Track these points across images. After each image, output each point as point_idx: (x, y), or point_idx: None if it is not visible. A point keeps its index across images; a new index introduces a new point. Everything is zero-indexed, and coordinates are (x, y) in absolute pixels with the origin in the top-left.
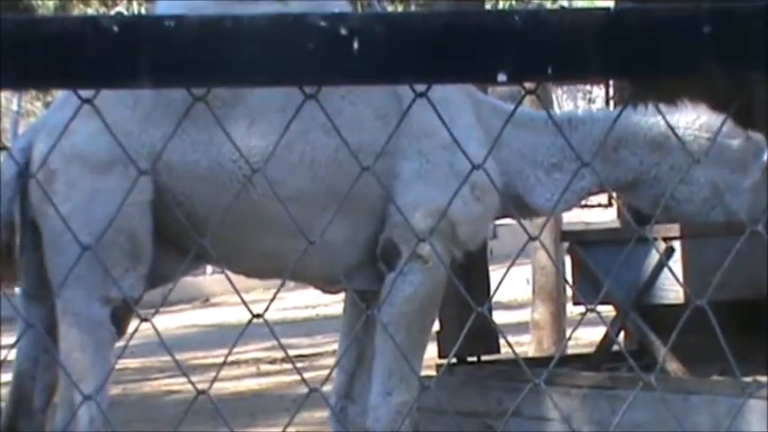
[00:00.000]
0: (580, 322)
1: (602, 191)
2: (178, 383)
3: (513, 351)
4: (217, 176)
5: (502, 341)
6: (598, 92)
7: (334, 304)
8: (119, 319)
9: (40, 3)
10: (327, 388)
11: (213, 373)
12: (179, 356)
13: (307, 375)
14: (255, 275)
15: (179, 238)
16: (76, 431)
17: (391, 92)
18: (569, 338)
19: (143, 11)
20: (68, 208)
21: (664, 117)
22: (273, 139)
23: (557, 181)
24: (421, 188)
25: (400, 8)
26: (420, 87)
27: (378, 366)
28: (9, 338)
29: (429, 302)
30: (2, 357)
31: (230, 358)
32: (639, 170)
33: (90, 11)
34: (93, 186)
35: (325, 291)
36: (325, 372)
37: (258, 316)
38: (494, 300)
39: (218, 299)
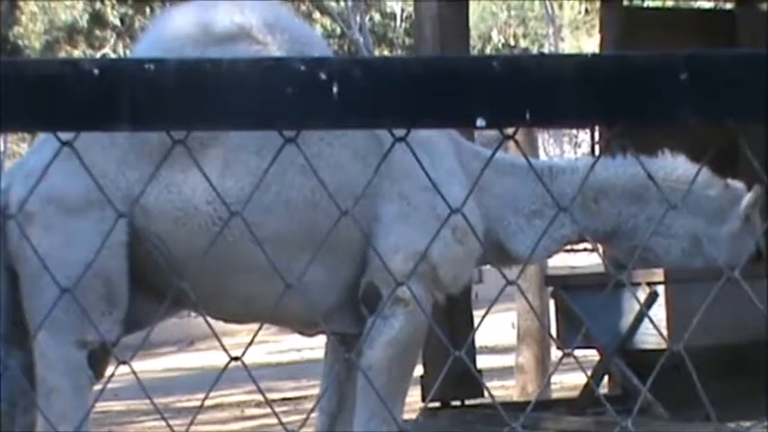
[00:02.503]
0: (558, 366)
1: (582, 239)
2: (162, 426)
3: (491, 395)
4: (191, 218)
5: (488, 383)
6: (584, 136)
7: (319, 348)
8: (96, 362)
9: (27, 43)
10: (308, 431)
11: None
12: (164, 399)
13: (291, 418)
14: (234, 320)
15: (155, 282)
16: None
17: (371, 134)
18: (549, 381)
19: (128, 53)
20: (44, 250)
21: (644, 167)
22: (249, 180)
23: (537, 228)
24: (402, 231)
25: (386, 52)
26: (400, 132)
27: (360, 409)
28: None
29: (411, 345)
30: None
31: (215, 401)
32: (618, 221)
33: (77, 52)
34: (68, 228)
35: (302, 334)
36: (312, 414)
37: (236, 359)
38: (479, 344)
39: (203, 342)
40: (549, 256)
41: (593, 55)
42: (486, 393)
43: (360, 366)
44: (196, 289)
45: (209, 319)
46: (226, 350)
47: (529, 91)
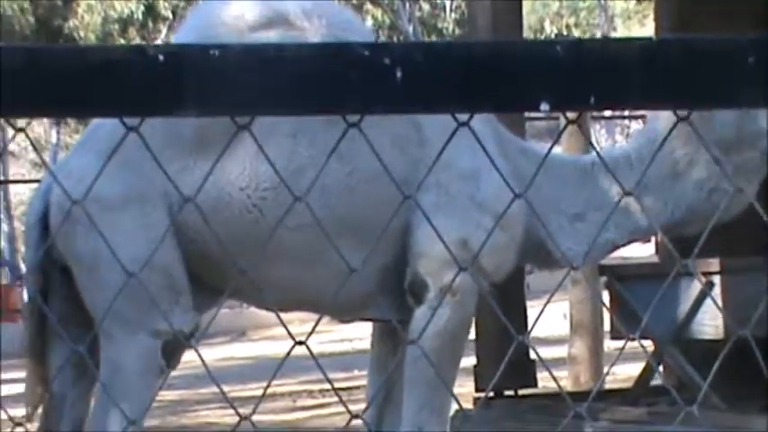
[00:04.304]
0: (620, 353)
1: (630, 242)
2: (216, 416)
3: (556, 382)
4: (226, 206)
5: (539, 375)
6: (636, 126)
7: (370, 338)
8: (171, 351)
9: (81, 35)
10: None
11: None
12: (216, 389)
13: (343, 409)
14: (273, 308)
15: (196, 275)
16: None
17: (410, 120)
18: (608, 373)
19: None
20: (93, 246)
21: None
22: (282, 164)
23: (579, 231)
24: (440, 220)
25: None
26: (462, 117)
27: (408, 400)
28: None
29: (458, 335)
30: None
31: (267, 391)
32: (665, 216)
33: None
34: (111, 225)
35: (340, 320)
36: (362, 405)
37: (301, 343)
38: (531, 335)
39: (255, 332)
40: (593, 262)
41: (659, 39)
42: (538, 384)
43: (407, 357)
44: (234, 279)
45: (268, 307)
46: (290, 333)
47: (593, 75)
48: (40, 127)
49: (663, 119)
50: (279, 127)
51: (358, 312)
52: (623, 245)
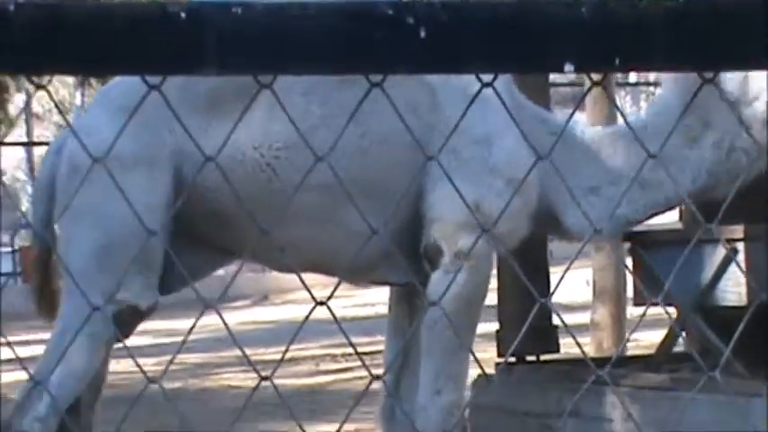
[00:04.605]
0: (642, 319)
1: (651, 216)
2: (238, 379)
3: (580, 347)
4: (239, 165)
5: (561, 341)
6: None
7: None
8: (123, 321)
9: None
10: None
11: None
12: (238, 352)
13: (365, 373)
14: (286, 270)
15: (206, 236)
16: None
17: (424, 85)
18: (629, 339)
19: None
20: (85, 202)
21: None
22: (297, 123)
23: (593, 205)
24: (454, 185)
25: None
26: (486, 77)
27: (425, 366)
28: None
29: (475, 300)
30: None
31: (290, 355)
32: (686, 185)
33: None
34: (112, 183)
35: (351, 282)
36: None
37: (321, 303)
38: (554, 301)
39: (278, 296)
40: (609, 237)
41: (684, 0)
42: (560, 350)
43: (424, 322)
44: (248, 240)
45: (281, 268)
46: (312, 296)
47: (618, 36)
48: (65, 89)
49: (671, 89)
50: (292, 86)
51: (369, 274)
52: (643, 220)
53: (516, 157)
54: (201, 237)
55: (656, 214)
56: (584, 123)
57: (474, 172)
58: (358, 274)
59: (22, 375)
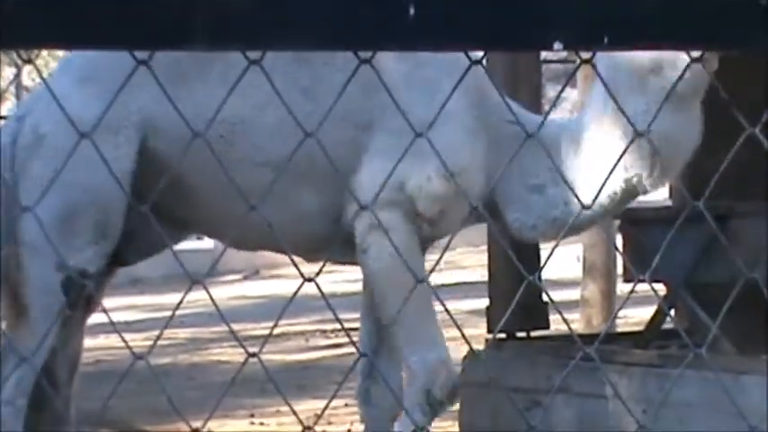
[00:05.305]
0: (629, 295)
1: (581, 229)
2: (228, 353)
3: (567, 324)
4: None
5: (551, 317)
6: None
7: None
8: (72, 288)
9: None
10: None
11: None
12: (227, 328)
13: (353, 349)
14: (242, 246)
15: (168, 207)
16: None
17: (376, 66)
18: (616, 315)
19: None
20: (47, 171)
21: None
22: (248, 98)
23: (533, 204)
24: (383, 163)
25: None
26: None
27: (398, 336)
28: None
29: (396, 273)
30: None
31: (278, 330)
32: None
33: None
34: (79, 151)
35: (308, 261)
36: None
37: (310, 280)
38: (543, 277)
39: (268, 271)
40: (546, 240)
41: None
42: (550, 326)
43: (374, 298)
44: (203, 213)
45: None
46: (299, 270)
47: (607, 15)
48: (56, 63)
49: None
50: (245, 60)
51: (320, 254)
52: (579, 221)
53: (454, 144)
54: (164, 209)
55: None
56: (560, 117)
57: (406, 155)
58: (310, 254)
59: None
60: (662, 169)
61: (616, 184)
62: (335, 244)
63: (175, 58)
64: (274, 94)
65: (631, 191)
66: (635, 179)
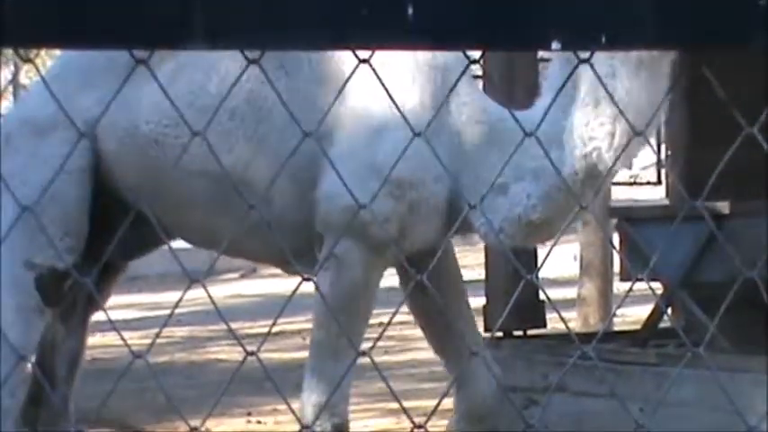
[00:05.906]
0: (627, 294)
1: (545, 214)
2: (225, 352)
3: (565, 323)
4: (135, 137)
5: (548, 316)
6: None
7: (388, 276)
8: (45, 286)
9: None
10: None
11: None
12: (225, 326)
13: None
14: (201, 246)
15: (122, 207)
16: None
17: (333, 58)
18: (614, 314)
19: None
20: (8, 169)
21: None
22: (190, 100)
23: (498, 206)
24: (335, 178)
25: None
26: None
27: (311, 356)
28: None
29: (348, 304)
30: None
31: (277, 329)
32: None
33: None
34: (34, 150)
35: (286, 272)
36: (370, 344)
37: (308, 279)
38: (540, 276)
39: (266, 269)
40: (515, 242)
41: None
42: (547, 325)
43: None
44: (156, 213)
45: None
46: (298, 269)
47: (604, 14)
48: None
49: (555, 69)
50: (193, 60)
51: (283, 266)
52: (542, 217)
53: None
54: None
55: (557, 210)
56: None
57: (355, 169)
58: (284, 264)
59: None
60: (623, 136)
61: (576, 162)
62: (305, 256)
63: (110, 57)
64: (218, 98)
65: (592, 168)
66: (594, 153)
